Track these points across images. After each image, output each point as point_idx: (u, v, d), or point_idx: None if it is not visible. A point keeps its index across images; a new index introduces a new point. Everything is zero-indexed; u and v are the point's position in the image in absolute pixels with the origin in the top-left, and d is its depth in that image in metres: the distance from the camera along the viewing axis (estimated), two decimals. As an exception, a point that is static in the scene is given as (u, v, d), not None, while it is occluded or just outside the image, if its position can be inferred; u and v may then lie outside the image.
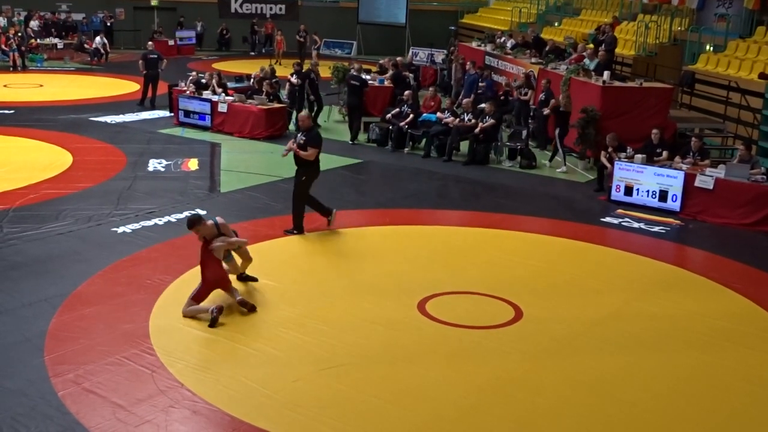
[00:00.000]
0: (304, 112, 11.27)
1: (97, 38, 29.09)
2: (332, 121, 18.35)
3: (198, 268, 8.17)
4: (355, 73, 17.29)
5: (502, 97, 17.87)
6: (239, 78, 20.40)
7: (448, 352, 7.42)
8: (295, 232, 10.60)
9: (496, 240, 10.85)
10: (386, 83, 18.70)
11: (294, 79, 17.74)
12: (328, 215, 10.90)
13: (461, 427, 6.18)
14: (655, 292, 9.12)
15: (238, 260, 8.58)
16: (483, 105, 15.67)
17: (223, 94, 17.51)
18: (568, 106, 15.37)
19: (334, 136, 17.40)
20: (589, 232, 11.28)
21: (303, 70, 17.97)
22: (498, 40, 22.13)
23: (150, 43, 21.51)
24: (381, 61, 20.95)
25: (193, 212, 8.28)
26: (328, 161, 14.91)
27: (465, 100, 16.37)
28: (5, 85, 22.66)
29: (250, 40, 33.12)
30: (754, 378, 7.16)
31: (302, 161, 10.65)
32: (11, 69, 25.64)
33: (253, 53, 32.40)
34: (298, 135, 10.69)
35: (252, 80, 18.62)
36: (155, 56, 19.87)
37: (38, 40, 29.04)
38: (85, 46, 29.10)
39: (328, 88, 19.16)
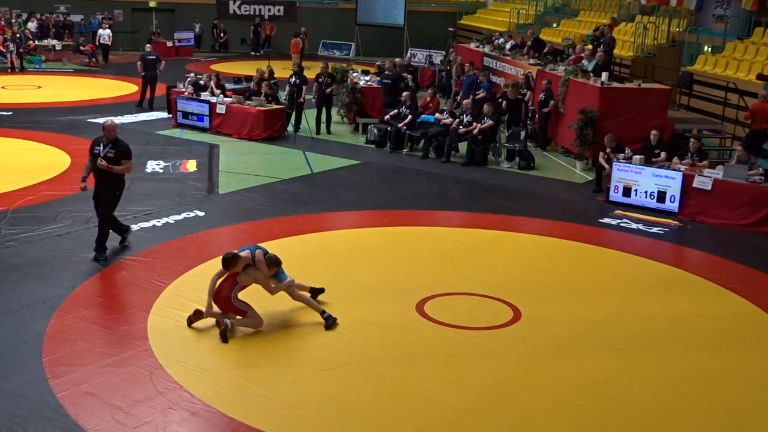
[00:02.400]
0: (111, 121, 9.56)
1: (101, 31, 28.95)
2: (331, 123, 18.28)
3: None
4: (387, 72, 17.39)
5: (500, 99, 17.86)
6: (237, 79, 20.39)
7: (446, 353, 7.42)
8: (103, 256, 9.42)
9: (495, 241, 10.85)
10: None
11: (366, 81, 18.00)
12: (102, 255, 9.46)
13: (460, 428, 6.18)
14: (653, 292, 9.12)
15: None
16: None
17: (222, 96, 17.52)
18: (514, 94, 16.45)
19: (332, 137, 17.40)
20: (588, 233, 11.28)
21: (321, 73, 17.89)
22: (496, 42, 22.13)
23: (148, 44, 21.53)
24: (378, 63, 20.97)
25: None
26: (326, 163, 14.97)
27: (465, 101, 16.38)
28: (3, 87, 22.65)
29: (251, 41, 33.08)
30: (753, 379, 7.16)
31: (113, 176, 9.38)
32: (9, 70, 25.64)
33: (254, 53, 32.36)
34: (105, 149, 9.29)
35: (253, 82, 18.54)
36: (154, 57, 19.89)
37: (36, 42, 29.04)
38: (81, 48, 29.05)
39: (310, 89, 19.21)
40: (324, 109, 17.64)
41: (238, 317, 7.67)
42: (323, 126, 17.69)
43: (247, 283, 7.72)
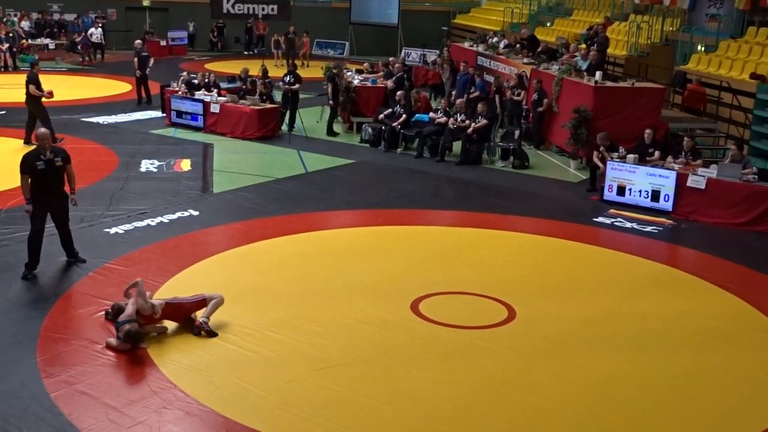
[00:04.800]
0: (44, 130, 9.13)
1: (93, 29, 28.85)
2: (324, 121, 18.25)
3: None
4: (400, 73, 17.52)
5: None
6: (231, 78, 20.37)
7: (441, 352, 7.42)
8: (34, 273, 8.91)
9: (489, 240, 10.85)
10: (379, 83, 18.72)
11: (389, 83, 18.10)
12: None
13: (455, 427, 6.18)
14: (647, 291, 9.14)
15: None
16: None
17: (216, 95, 17.48)
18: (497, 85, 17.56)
19: (326, 137, 17.37)
20: (582, 232, 11.30)
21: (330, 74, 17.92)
22: (490, 41, 22.13)
23: (138, 41, 21.42)
24: (366, 63, 21.05)
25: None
26: (320, 162, 14.95)
27: (458, 101, 16.38)
28: (-4, 86, 22.57)
29: (244, 41, 33.06)
30: (747, 377, 7.18)
31: (62, 184, 9.04)
32: (2, 69, 25.54)
33: (247, 53, 32.31)
34: (50, 158, 8.83)
35: (247, 80, 18.47)
36: (146, 55, 19.92)
37: (29, 41, 28.94)
38: (76, 40, 28.94)
39: (320, 89, 19.29)
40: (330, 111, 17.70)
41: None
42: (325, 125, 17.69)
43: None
